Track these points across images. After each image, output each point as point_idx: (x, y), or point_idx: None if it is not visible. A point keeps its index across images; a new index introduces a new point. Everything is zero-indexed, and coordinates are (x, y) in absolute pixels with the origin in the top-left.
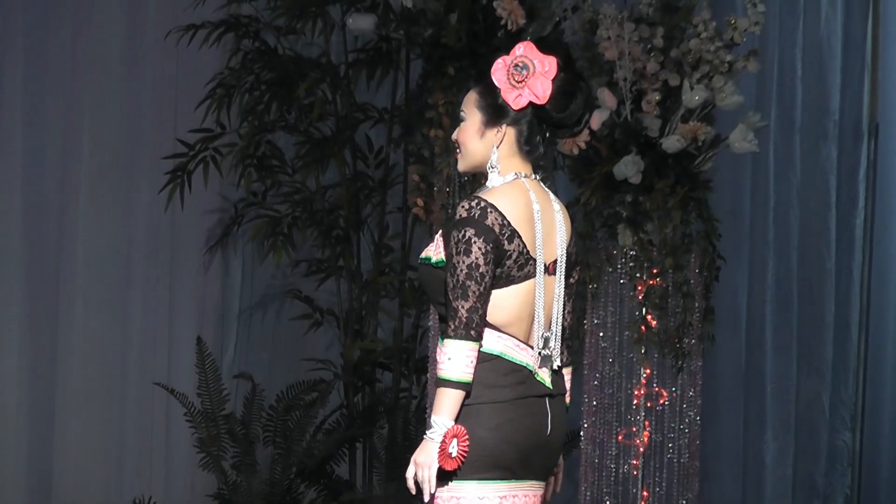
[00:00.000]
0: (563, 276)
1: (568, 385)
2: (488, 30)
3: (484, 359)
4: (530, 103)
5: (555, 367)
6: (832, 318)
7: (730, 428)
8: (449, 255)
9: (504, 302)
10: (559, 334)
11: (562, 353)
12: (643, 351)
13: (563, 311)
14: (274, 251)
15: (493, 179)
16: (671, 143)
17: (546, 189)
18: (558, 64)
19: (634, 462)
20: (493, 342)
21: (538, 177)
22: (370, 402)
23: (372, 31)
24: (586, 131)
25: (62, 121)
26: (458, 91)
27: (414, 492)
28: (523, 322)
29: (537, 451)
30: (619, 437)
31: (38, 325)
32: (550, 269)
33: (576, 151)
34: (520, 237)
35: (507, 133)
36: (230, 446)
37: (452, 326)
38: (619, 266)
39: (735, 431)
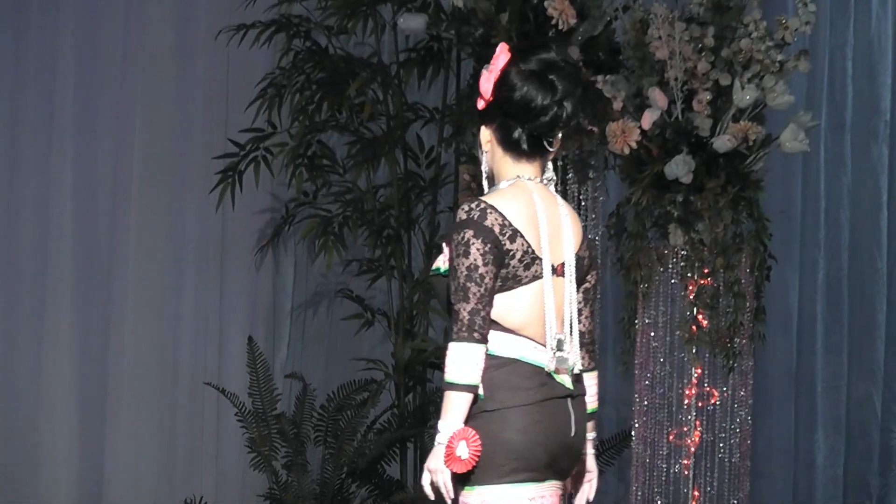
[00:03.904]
0: (573, 279)
1: (595, 388)
2: (539, 29)
3: (503, 363)
4: (495, 101)
5: (575, 370)
6: (883, 318)
7: (781, 428)
8: (450, 258)
9: (516, 304)
10: (576, 337)
11: (583, 358)
12: (694, 351)
13: (581, 315)
14: (325, 251)
15: (498, 183)
16: (722, 143)
17: (554, 193)
18: (512, 58)
19: (685, 462)
20: (509, 345)
21: (547, 181)
22: (421, 402)
23: (423, 31)
24: (636, 130)
25: (113, 121)
26: None
27: (433, 497)
28: (537, 324)
29: (562, 452)
30: (671, 437)
31: (90, 325)
32: (559, 271)
33: (627, 151)
34: (523, 237)
35: (491, 136)
36: (281, 446)
37: (455, 329)
38: (670, 266)
39: (786, 431)
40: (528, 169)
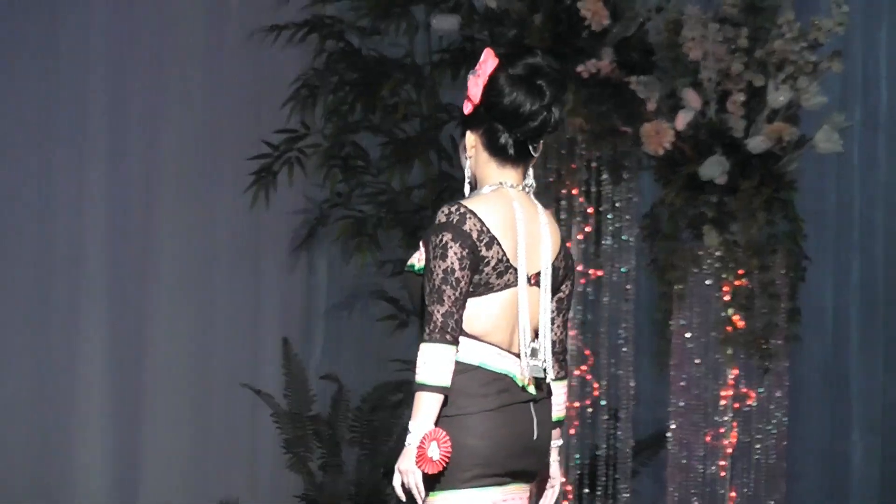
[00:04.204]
0: (548, 289)
1: (563, 398)
2: (572, 30)
3: (464, 369)
4: (482, 106)
5: (548, 379)
6: None
7: (816, 428)
8: (427, 259)
9: (483, 310)
10: (548, 346)
11: (553, 368)
12: (729, 352)
13: (553, 324)
14: (359, 252)
15: (481, 188)
16: (756, 144)
17: (535, 201)
18: (500, 63)
19: (721, 463)
20: (472, 352)
21: (528, 188)
22: None
23: (456, 32)
24: (670, 131)
25: (146, 121)
26: None
27: (404, 499)
28: (503, 331)
29: (525, 455)
30: (707, 438)
31: (124, 327)
32: (533, 280)
33: (661, 152)
34: (499, 244)
35: (476, 141)
36: (316, 447)
37: (427, 330)
38: (704, 267)
39: (821, 432)
40: (511, 175)
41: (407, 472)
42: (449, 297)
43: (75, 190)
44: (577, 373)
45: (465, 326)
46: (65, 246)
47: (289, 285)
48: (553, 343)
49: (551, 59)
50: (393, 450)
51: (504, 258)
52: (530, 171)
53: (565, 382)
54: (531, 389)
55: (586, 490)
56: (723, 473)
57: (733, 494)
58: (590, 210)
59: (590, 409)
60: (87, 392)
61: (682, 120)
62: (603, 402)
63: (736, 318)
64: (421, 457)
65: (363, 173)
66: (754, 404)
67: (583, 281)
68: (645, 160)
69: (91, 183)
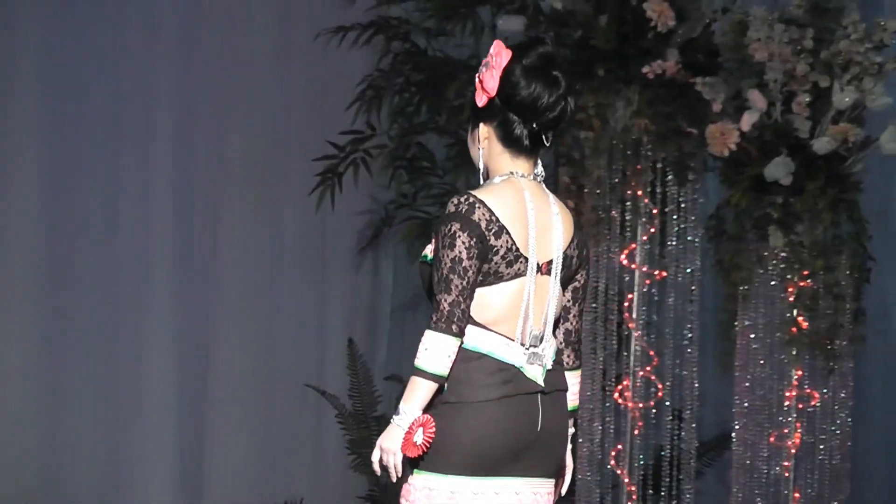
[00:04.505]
0: (558, 277)
1: (577, 387)
2: (637, 32)
3: (471, 357)
4: (497, 98)
5: (548, 366)
6: None
7: (880, 429)
8: (436, 249)
9: (492, 300)
10: (549, 334)
11: (569, 357)
12: (794, 352)
13: (570, 314)
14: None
15: (492, 178)
16: (821, 145)
17: (547, 191)
18: (514, 55)
19: (786, 463)
20: (480, 340)
21: (539, 177)
22: None
23: (521, 33)
24: (735, 132)
25: (212, 123)
26: (607, 93)
27: (379, 474)
28: (512, 320)
29: (528, 448)
30: (771, 439)
31: (190, 327)
32: (544, 269)
33: (726, 153)
34: (509, 234)
35: (489, 133)
36: None
37: (434, 319)
38: (769, 267)
39: (886, 432)
40: (523, 165)
41: (388, 450)
42: (456, 286)
43: (141, 193)
44: (641, 374)
45: (473, 315)
46: (131, 248)
47: (354, 286)
48: (569, 332)
49: (558, 47)
50: None
51: (514, 247)
52: (539, 161)
53: (579, 372)
54: (539, 380)
55: (650, 491)
56: (787, 474)
57: (797, 495)
58: (655, 211)
59: (654, 410)
60: (154, 392)
61: (748, 121)
62: (667, 403)
63: (800, 318)
64: (406, 441)
65: (429, 174)
66: (818, 405)
67: (647, 282)
68: (710, 161)
69: (157, 185)
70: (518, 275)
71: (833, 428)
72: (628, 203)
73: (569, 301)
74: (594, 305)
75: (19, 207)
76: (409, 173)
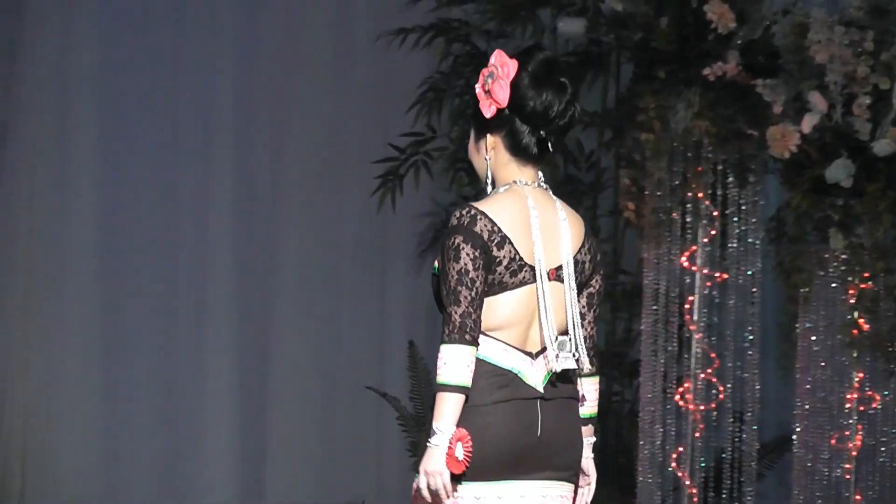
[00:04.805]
0: (573, 283)
1: (595, 394)
2: (698, 34)
3: None
4: (507, 108)
5: (584, 370)
6: None
7: None
8: (442, 262)
9: (496, 308)
10: (580, 338)
11: (586, 362)
12: (855, 355)
13: (584, 320)
14: None
15: (497, 188)
16: (882, 147)
17: (552, 196)
18: (520, 65)
19: (847, 466)
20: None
21: (544, 184)
22: None
23: (582, 35)
24: (796, 134)
25: (272, 125)
26: (668, 95)
27: (430, 500)
28: (516, 327)
29: (529, 453)
30: (832, 441)
31: (250, 329)
32: (553, 276)
33: (786, 155)
34: (511, 244)
35: (496, 142)
36: None
37: (447, 331)
38: (830, 269)
39: None
40: (529, 173)
41: (434, 473)
42: (465, 297)
43: (202, 195)
44: (702, 376)
45: None
46: (191, 251)
47: (415, 288)
48: (584, 339)
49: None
50: None
51: (517, 257)
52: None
53: (596, 379)
54: (539, 387)
55: (711, 493)
56: (848, 476)
57: (858, 497)
58: (715, 213)
59: (715, 413)
60: (215, 393)
61: (808, 123)
62: (728, 406)
63: (861, 320)
64: (450, 457)
65: None
66: (880, 407)
67: (708, 284)
68: (770, 163)
69: (217, 188)
70: (524, 283)
71: (894, 430)
72: (689, 205)
73: (584, 307)
74: (654, 308)
75: (79, 208)
76: (469, 175)
